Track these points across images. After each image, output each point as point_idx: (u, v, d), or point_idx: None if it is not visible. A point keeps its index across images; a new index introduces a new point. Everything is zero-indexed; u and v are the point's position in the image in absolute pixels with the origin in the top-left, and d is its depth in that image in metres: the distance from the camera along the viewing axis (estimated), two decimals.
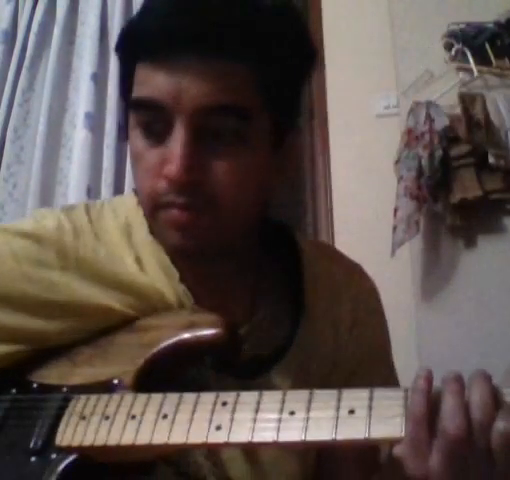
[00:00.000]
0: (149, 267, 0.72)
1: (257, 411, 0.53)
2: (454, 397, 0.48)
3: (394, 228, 1.88)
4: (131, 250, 0.73)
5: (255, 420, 0.52)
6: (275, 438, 0.51)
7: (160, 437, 0.55)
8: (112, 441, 0.57)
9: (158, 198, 0.66)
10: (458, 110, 1.89)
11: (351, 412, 0.50)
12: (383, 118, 2.22)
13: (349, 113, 2.26)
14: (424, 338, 1.89)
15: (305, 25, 0.72)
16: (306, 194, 2.32)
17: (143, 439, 0.55)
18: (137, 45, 0.67)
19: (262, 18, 0.66)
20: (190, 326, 0.65)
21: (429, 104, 1.91)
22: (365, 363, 0.81)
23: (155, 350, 0.64)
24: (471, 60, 1.91)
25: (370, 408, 0.50)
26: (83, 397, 0.62)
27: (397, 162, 1.97)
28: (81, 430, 0.59)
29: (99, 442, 0.57)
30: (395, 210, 1.90)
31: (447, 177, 1.86)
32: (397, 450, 0.50)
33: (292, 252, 0.81)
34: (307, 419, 0.51)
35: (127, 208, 0.77)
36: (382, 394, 0.51)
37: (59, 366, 0.68)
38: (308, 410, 0.51)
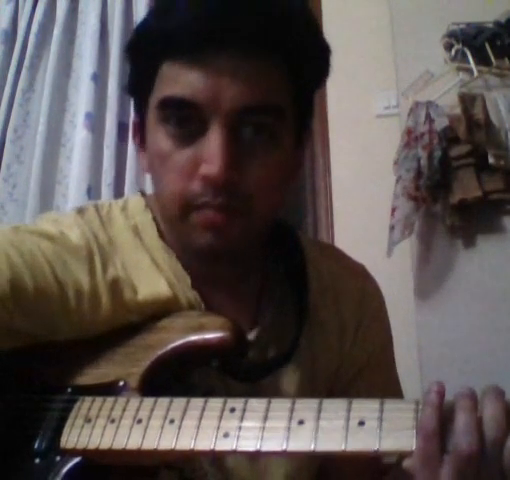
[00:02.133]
0: (163, 270, 0.72)
1: (266, 419, 0.52)
2: (467, 413, 0.47)
3: (391, 228, 1.89)
4: (146, 253, 0.72)
5: (264, 429, 0.51)
6: (284, 447, 0.50)
7: (167, 443, 0.54)
8: (118, 445, 0.56)
9: (191, 199, 0.65)
10: (458, 110, 1.89)
11: (361, 423, 0.49)
12: (383, 118, 2.22)
13: (349, 113, 2.26)
14: (424, 338, 1.89)
15: (321, 29, 0.72)
16: (306, 194, 2.32)
17: (149, 444, 0.55)
18: (168, 43, 0.64)
19: (295, 20, 0.66)
20: (199, 328, 0.64)
21: (429, 104, 1.91)
22: (369, 364, 0.81)
23: (162, 351, 0.64)
24: (471, 60, 1.91)
25: (380, 420, 0.49)
26: (88, 399, 0.62)
27: (396, 162, 1.97)
28: (86, 433, 0.59)
29: (104, 446, 0.57)
30: (393, 210, 1.90)
31: (447, 177, 1.86)
32: (407, 463, 0.49)
33: (295, 253, 0.80)
34: (316, 429, 0.50)
35: (136, 210, 0.76)
36: (393, 406, 0.50)
37: (64, 366, 0.68)
38: (317, 419, 0.50)
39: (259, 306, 0.77)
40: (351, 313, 0.81)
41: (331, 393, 0.77)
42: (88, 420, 0.59)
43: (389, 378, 0.83)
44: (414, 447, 0.48)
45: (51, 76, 2.37)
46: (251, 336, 0.73)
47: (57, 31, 2.43)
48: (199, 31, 0.62)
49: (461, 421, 0.47)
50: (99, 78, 2.33)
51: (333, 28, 2.37)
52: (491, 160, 1.82)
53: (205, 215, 0.65)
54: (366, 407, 0.50)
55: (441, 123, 1.86)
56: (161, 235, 0.74)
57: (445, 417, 0.48)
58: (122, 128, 2.28)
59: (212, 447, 0.52)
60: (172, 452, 0.54)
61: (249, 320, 0.75)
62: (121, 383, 0.63)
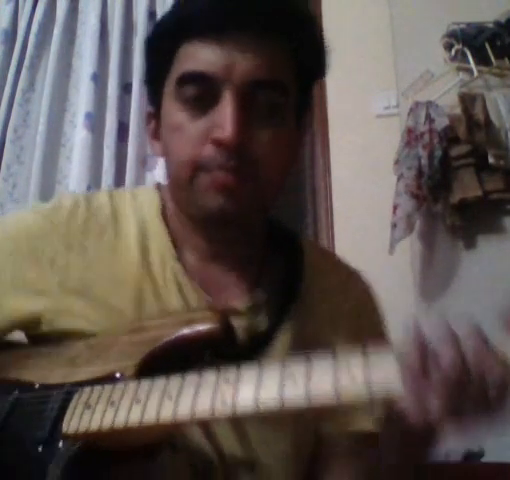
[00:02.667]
0: (152, 253, 0.77)
1: (259, 382, 0.55)
2: (449, 344, 0.51)
3: (393, 225, 1.89)
4: (139, 237, 0.78)
5: (258, 390, 0.54)
6: (279, 405, 0.53)
7: (166, 414, 0.56)
8: (119, 424, 0.58)
9: (204, 162, 0.69)
10: (458, 110, 1.89)
11: (350, 373, 0.52)
12: (383, 118, 2.22)
13: (349, 113, 2.27)
14: None
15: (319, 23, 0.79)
16: (306, 194, 2.32)
17: (149, 418, 0.57)
18: (188, 26, 0.72)
19: (298, 10, 0.75)
20: (189, 323, 0.66)
21: (429, 104, 1.91)
22: None
23: (156, 346, 0.66)
24: (471, 60, 1.91)
25: (367, 367, 0.52)
26: (87, 389, 0.63)
27: (397, 162, 1.98)
28: (87, 417, 0.60)
29: (106, 426, 0.58)
30: (394, 207, 1.91)
31: (447, 177, 1.86)
32: (398, 405, 0.52)
33: (295, 253, 0.83)
34: (308, 385, 0.53)
35: (147, 196, 0.83)
36: (376, 352, 0.53)
37: (60, 368, 0.69)
38: (309, 376, 0.53)
39: (255, 287, 0.79)
40: (346, 313, 0.83)
41: None
42: (88, 406, 0.61)
43: None
44: (400, 388, 0.51)
45: (51, 76, 2.38)
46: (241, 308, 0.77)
47: (57, 31, 2.43)
48: (216, 14, 0.70)
49: (444, 350, 0.51)
50: (99, 78, 2.33)
51: (333, 28, 2.36)
52: (491, 160, 1.81)
53: (216, 177, 0.69)
54: (351, 358, 0.53)
55: (441, 123, 1.86)
56: (163, 211, 0.80)
57: (428, 354, 0.51)
58: (122, 128, 2.28)
59: (211, 412, 0.55)
60: (172, 422, 0.56)
61: (243, 298, 0.78)
62: (118, 375, 0.65)
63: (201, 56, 0.70)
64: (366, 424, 0.78)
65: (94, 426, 0.59)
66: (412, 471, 0.66)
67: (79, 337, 0.71)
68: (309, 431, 0.79)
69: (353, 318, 0.83)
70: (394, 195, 1.92)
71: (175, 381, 0.59)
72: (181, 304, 0.75)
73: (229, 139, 0.67)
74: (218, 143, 0.68)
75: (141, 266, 0.76)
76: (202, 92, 0.70)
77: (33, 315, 0.73)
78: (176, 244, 0.79)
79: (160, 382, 0.59)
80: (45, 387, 0.67)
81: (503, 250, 1.87)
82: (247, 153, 0.69)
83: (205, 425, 0.70)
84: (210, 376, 0.57)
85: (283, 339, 0.76)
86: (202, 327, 0.65)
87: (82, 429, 0.59)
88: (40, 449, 0.61)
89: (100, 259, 0.76)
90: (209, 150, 0.69)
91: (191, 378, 0.58)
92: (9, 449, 0.63)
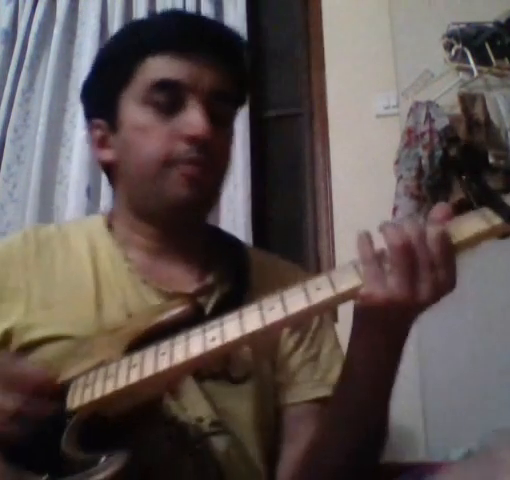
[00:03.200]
0: (102, 258, 0.86)
1: (241, 317, 0.63)
2: (391, 225, 0.63)
3: None
4: (90, 251, 0.86)
5: (242, 322, 0.62)
6: (263, 323, 0.61)
7: (164, 364, 0.62)
8: (120, 385, 0.62)
9: (173, 157, 0.80)
10: (458, 110, 1.89)
11: (318, 288, 0.62)
12: (383, 118, 2.22)
13: (349, 113, 2.27)
14: (424, 338, 1.89)
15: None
16: (306, 194, 2.33)
17: (148, 372, 0.62)
18: (152, 42, 0.83)
19: (241, 40, 0.91)
20: (163, 311, 0.72)
21: (429, 104, 1.91)
22: (306, 338, 0.90)
23: (138, 334, 0.70)
24: (471, 60, 1.91)
25: (331, 280, 0.62)
26: (82, 377, 0.66)
27: (397, 162, 1.98)
28: (88, 392, 0.64)
29: (108, 391, 0.62)
30: (394, 209, 1.90)
31: (447, 177, 1.86)
32: (362, 291, 0.61)
33: (238, 249, 0.93)
34: (284, 305, 0.61)
35: (91, 218, 0.94)
36: (337, 269, 0.64)
37: (47, 368, 0.70)
38: (283, 301, 0.62)
39: (204, 275, 0.87)
40: None
41: (274, 364, 0.87)
42: (87, 385, 0.65)
43: (334, 347, 0.90)
44: (360, 280, 0.61)
45: (51, 76, 2.38)
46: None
47: (57, 31, 2.43)
48: (182, 34, 0.83)
49: (387, 229, 0.62)
50: None
51: (333, 28, 2.37)
52: (491, 160, 1.82)
53: (186, 169, 0.80)
54: (317, 280, 0.63)
55: (441, 123, 1.86)
56: (108, 224, 0.90)
57: (377, 249, 0.62)
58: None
59: (203, 350, 0.61)
60: (170, 370, 0.62)
61: (193, 284, 0.85)
62: (107, 361, 0.67)
63: (171, 67, 0.82)
64: (320, 391, 0.84)
65: (97, 395, 0.63)
66: (388, 381, 0.71)
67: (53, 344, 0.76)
68: (270, 401, 0.85)
69: None
70: (394, 197, 1.92)
71: (165, 343, 0.64)
72: (137, 298, 0.82)
73: (202, 135, 0.79)
74: (191, 139, 0.79)
75: (93, 271, 0.84)
76: (170, 98, 0.81)
77: (5, 332, 0.79)
78: (123, 247, 0.86)
79: (151, 348, 0.65)
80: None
81: (503, 251, 1.87)
82: (211, 149, 0.81)
83: (176, 394, 0.76)
84: (196, 329, 0.64)
85: None
86: (175, 311, 0.71)
87: (86, 401, 0.63)
88: (50, 430, 0.62)
89: (55, 273, 0.84)
90: (182, 146, 0.80)
91: (179, 336, 0.64)
92: (18, 445, 0.63)
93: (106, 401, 0.63)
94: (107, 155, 0.88)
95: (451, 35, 1.96)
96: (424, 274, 0.61)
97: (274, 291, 0.82)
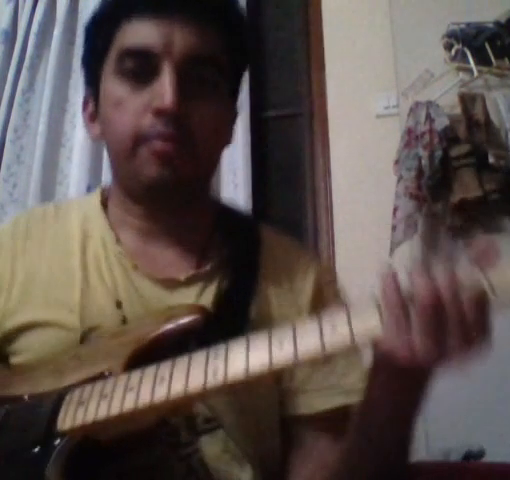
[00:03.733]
0: (93, 239, 0.81)
1: (248, 350, 0.57)
2: (421, 275, 0.53)
3: (393, 228, 1.89)
4: (82, 232, 0.81)
5: (248, 357, 0.56)
6: (270, 365, 0.55)
7: (160, 394, 0.57)
8: (114, 411, 0.58)
9: (142, 132, 0.72)
10: (458, 110, 1.89)
11: (334, 327, 0.55)
12: (383, 118, 2.22)
13: (349, 113, 2.27)
14: None
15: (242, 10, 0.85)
16: (306, 194, 2.33)
17: (144, 402, 0.57)
18: (126, 5, 0.76)
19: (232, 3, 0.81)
20: (171, 318, 0.68)
21: (429, 104, 1.91)
22: None
23: (142, 344, 0.66)
24: (471, 60, 1.91)
25: (349, 319, 0.54)
26: (78, 389, 0.63)
27: (397, 162, 1.98)
28: (81, 412, 0.60)
29: (101, 416, 0.58)
30: (394, 209, 1.91)
31: (447, 177, 1.86)
32: (382, 343, 0.53)
33: (249, 232, 0.85)
34: (295, 343, 0.55)
35: (90, 198, 0.87)
36: (356, 306, 0.56)
37: (48, 378, 0.69)
38: (295, 337, 0.56)
39: (202, 262, 0.80)
40: (304, 287, 0.82)
41: None
42: (81, 403, 0.61)
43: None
44: (382, 328, 0.53)
45: (51, 76, 2.38)
46: (187, 275, 0.77)
47: (57, 31, 2.43)
48: None
49: (417, 280, 0.53)
50: None
51: (333, 28, 2.37)
52: (491, 160, 1.82)
53: (155, 145, 0.72)
54: (334, 314, 0.56)
55: (441, 123, 1.86)
56: (103, 202, 0.84)
57: (404, 293, 0.53)
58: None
59: (203, 386, 0.56)
60: (167, 402, 0.57)
61: (188, 268, 0.79)
62: (107, 373, 0.65)
63: (141, 32, 0.74)
64: (335, 400, 0.77)
65: (89, 418, 0.59)
66: (410, 421, 0.65)
67: (59, 347, 0.72)
68: (268, 404, 0.78)
69: (314, 294, 0.82)
70: (394, 197, 1.92)
71: (165, 365, 0.60)
72: (127, 284, 0.76)
73: (168, 107, 0.70)
74: (158, 112, 0.71)
75: (82, 253, 0.79)
76: (142, 66, 0.73)
77: None
78: (116, 228, 0.81)
79: (150, 369, 0.60)
80: (35, 396, 0.67)
81: (503, 250, 1.87)
82: (185, 123, 0.72)
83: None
84: (199, 355, 0.59)
85: (254, 315, 0.75)
86: (185, 320, 0.67)
87: (77, 423, 0.59)
88: (36, 450, 0.60)
89: (41, 256, 0.79)
90: (149, 120, 0.72)
91: (181, 360, 0.59)
92: (4, 458, 0.62)
93: (98, 426, 0.59)
94: (95, 130, 0.82)
95: (451, 35, 1.96)
96: (453, 334, 0.52)
97: (283, 284, 0.79)
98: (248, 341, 0.57)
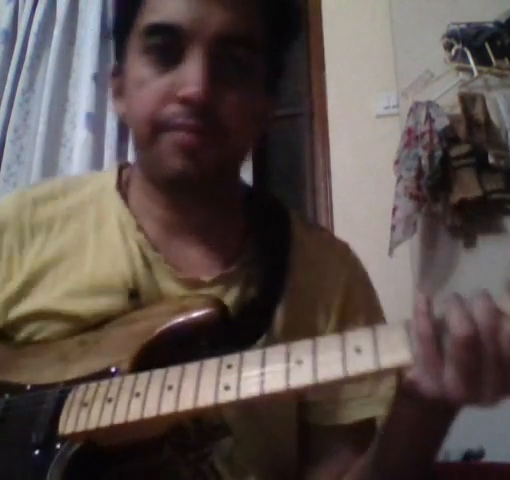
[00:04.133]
0: (109, 224, 0.74)
1: (264, 366, 0.52)
2: (458, 307, 0.49)
3: (393, 227, 1.89)
4: (97, 215, 0.75)
5: (263, 374, 0.52)
6: (286, 385, 0.51)
7: (168, 407, 0.54)
8: (119, 420, 0.55)
9: (165, 120, 0.65)
10: (458, 110, 1.89)
11: (358, 351, 0.50)
12: (383, 118, 2.22)
13: (349, 113, 2.27)
14: None
15: None
16: (306, 194, 2.33)
17: (150, 412, 0.54)
18: None
19: None
20: (182, 310, 0.64)
21: (429, 104, 1.91)
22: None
23: (151, 337, 0.63)
24: (471, 60, 1.91)
25: (375, 343, 0.50)
26: (82, 386, 0.61)
27: (397, 162, 1.98)
28: (84, 416, 0.57)
29: (104, 423, 0.56)
30: (394, 209, 1.91)
31: (447, 177, 1.86)
32: (410, 374, 0.50)
33: (281, 226, 0.79)
34: (315, 363, 0.51)
35: (106, 176, 0.80)
36: (384, 328, 0.52)
37: (52, 366, 0.67)
38: (315, 355, 0.51)
39: (231, 259, 0.74)
40: (335, 287, 0.78)
41: None
42: (84, 404, 0.58)
43: None
44: (411, 358, 0.49)
45: (51, 76, 2.37)
46: (232, 269, 0.73)
47: (57, 31, 2.43)
48: None
49: (454, 314, 0.49)
50: (99, 78, 2.32)
51: (333, 28, 2.37)
52: (491, 160, 1.82)
53: (177, 136, 0.65)
54: (359, 335, 0.52)
55: (441, 123, 1.86)
56: (121, 186, 0.77)
57: (438, 323, 0.49)
58: (122, 128, 2.28)
59: (214, 401, 0.52)
60: (175, 415, 0.54)
61: (226, 260, 0.74)
62: (113, 369, 0.63)
63: (170, 6, 0.66)
64: (368, 410, 0.74)
65: (92, 424, 0.57)
66: (430, 451, 0.62)
67: (66, 333, 0.69)
68: (287, 412, 0.75)
69: (345, 295, 0.78)
70: (394, 197, 1.92)
71: (175, 371, 0.56)
72: (146, 277, 0.71)
73: (197, 97, 0.63)
74: (184, 101, 0.64)
75: (96, 238, 0.74)
76: (170, 45, 0.66)
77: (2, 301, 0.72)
78: (135, 213, 0.75)
79: (159, 373, 0.57)
80: (37, 388, 0.65)
81: (503, 250, 1.87)
82: (214, 114, 0.65)
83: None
84: (211, 363, 0.55)
85: (279, 317, 0.72)
86: (197, 313, 0.63)
87: (80, 429, 0.57)
88: (37, 453, 0.59)
89: (51, 239, 0.74)
90: (174, 107, 0.65)
91: (192, 366, 0.56)
92: (3, 456, 0.61)
93: (101, 432, 0.57)
94: (120, 108, 0.74)
95: (451, 35, 1.96)
96: (489, 374, 0.48)
97: (312, 285, 0.74)
98: (264, 355, 0.53)
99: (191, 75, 0.64)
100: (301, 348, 0.52)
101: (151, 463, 0.65)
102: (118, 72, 0.75)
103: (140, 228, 0.73)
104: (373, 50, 2.26)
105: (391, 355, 0.50)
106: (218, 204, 0.75)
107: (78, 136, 2.29)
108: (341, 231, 2.17)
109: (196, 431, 0.69)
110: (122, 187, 0.77)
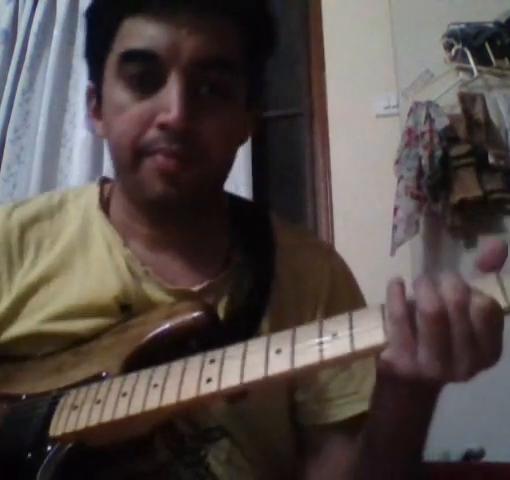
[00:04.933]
0: (95, 242, 0.75)
1: (244, 358, 0.54)
2: (426, 285, 0.50)
3: (394, 227, 1.89)
4: (81, 234, 0.76)
5: (243, 365, 0.53)
6: (265, 374, 0.52)
7: (152, 403, 0.55)
8: (106, 418, 0.57)
9: (145, 146, 0.67)
10: (458, 110, 1.89)
11: (334, 335, 0.52)
12: (383, 118, 2.22)
13: (349, 113, 2.27)
14: None
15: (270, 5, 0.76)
16: (306, 194, 2.33)
17: (135, 409, 0.56)
18: (129, 0, 0.68)
19: None
20: (172, 315, 0.65)
21: (429, 104, 1.92)
22: None
23: (142, 342, 0.65)
24: (471, 60, 1.91)
25: (351, 327, 0.51)
26: (73, 391, 0.62)
27: (397, 162, 1.98)
28: (74, 417, 0.59)
29: (93, 422, 0.57)
30: (395, 209, 1.91)
31: (447, 177, 1.86)
32: (385, 355, 0.51)
33: (264, 233, 0.80)
34: (293, 352, 0.52)
35: (89, 192, 0.80)
36: (360, 313, 0.53)
37: (46, 377, 0.68)
38: (293, 344, 0.52)
39: (218, 269, 0.76)
40: (320, 291, 0.79)
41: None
42: (74, 407, 0.60)
43: None
44: (386, 339, 0.50)
45: (51, 76, 2.38)
46: (221, 277, 0.74)
47: (57, 31, 2.43)
48: None
49: (421, 290, 0.49)
50: None
51: (333, 28, 2.37)
52: (491, 160, 1.82)
53: (158, 161, 0.66)
54: (336, 321, 0.53)
55: (441, 123, 1.86)
56: (104, 204, 0.78)
57: (410, 303, 0.50)
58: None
59: (196, 394, 0.54)
60: (159, 410, 0.55)
61: (212, 273, 0.75)
62: (104, 374, 0.64)
63: (146, 33, 0.66)
64: (355, 407, 0.74)
65: (81, 425, 0.58)
66: (418, 433, 0.63)
67: (62, 346, 0.70)
68: (280, 408, 0.76)
69: (329, 298, 0.79)
70: (395, 197, 1.92)
71: (161, 370, 0.58)
72: (137, 291, 0.72)
73: (175, 122, 0.64)
74: (163, 127, 0.65)
75: (83, 255, 0.74)
76: (147, 71, 0.67)
77: None
78: (119, 230, 0.76)
79: (145, 373, 0.58)
80: (32, 397, 0.66)
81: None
82: (193, 138, 0.66)
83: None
84: (195, 360, 0.57)
85: (265, 322, 0.73)
86: (186, 317, 0.64)
87: (69, 430, 0.58)
88: (29, 456, 0.60)
89: (39, 260, 0.75)
90: (153, 133, 0.66)
91: (177, 364, 0.57)
92: (1, 463, 0.62)
93: (91, 432, 0.58)
94: (99, 129, 0.75)
95: (451, 35, 1.96)
96: (461, 349, 0.48)
97: (297, 287, 0.75)
98: (246, 347, 0.55)
99: (168, 101, 0.65)
100: (280, 338, 0.54)
101: (149, 466, 0.66)
102: (93, 93, 0.76)
103: (126, 244, 0.75)
104: (373, 50, 2.26)
105: (366, 338, 0.50)
106: (202, 220, 0.77)
107: (78, 136, 2.30)
108: (341, 231, 2.17)
109: (192, 435, 0.69)
110: (104, 204, 0.79)
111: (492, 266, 0.51)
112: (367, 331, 0.51)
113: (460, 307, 0.48)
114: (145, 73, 0.67)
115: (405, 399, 0.57)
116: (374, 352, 0.51)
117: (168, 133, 0.65)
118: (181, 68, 0.65)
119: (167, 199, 0.68)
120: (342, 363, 0.54)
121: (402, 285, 0.51)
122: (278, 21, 0.75)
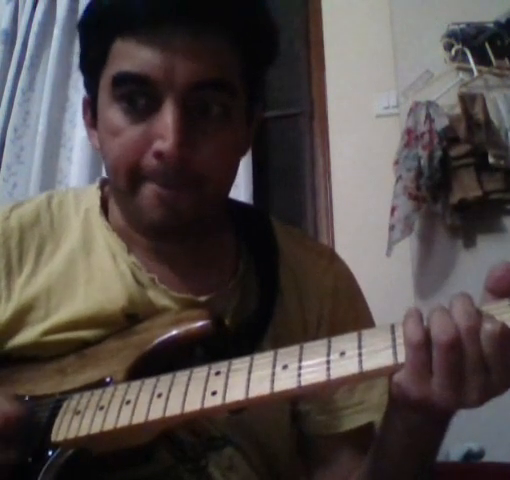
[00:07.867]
0: (98, 249, 0.74)
1: (250, 372, 0.53)
2: (440, 313, 0.50)
3: (391, 227, 1.89)
4: (84, 240, 0.74)
5: (249, 380, 0.53)
6: (271, 390, 0.51)
7: (156, 413, 0.55)
8: (108, 426, 0.56)
9: (141, 172, 0.65)
10: (458, 110, 1.89)
11: (342, 354, 0.51)
12: (383, 118, 2.22)
13: (349, 113, 2.27)
14: None
15: (271, 16, 0.72)
16: (306, 194, 2.33)
17: (139, 419, 0.55)
18: (123, 19, 0.64)
19: (244, 2, 0.67)
20: (178, 322, 0.65)
21: (429, 104, 1.92)
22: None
23: (147, 348, 0.64)
24: (471, 60, 1.91)
25: (360, 347, 0.51)
26: (76, 396, 0.62)
27: (396, 162, 1.98)
28: (76, 423, 0.58)
29: (95, 430, 0.57)
30: (392, 209, 1.91)
31: (447, 177, 1.86)
32: (397, 378, 0.50)
33: (267, 243, 0.80)
34: (300, 368, 0.51)
35: (89, 195, 0.79)
36: (369, 332, 0.52)
37: (50, 379, 0.68)
38: (300, 361, 0.52)
39: (225, 278, 0.75)
40: (322, 298, 0.79)
41: None
42: (77, 412, 0.59)
43: None
44: (393, 362, 0.49)
45: (51, 76, 2.38)
46: (229, 285, 0.74)
47: (57, 31, 2.43)
48: (154, 8, 0.62)
49: (436, 319, 0.49)
50: None
51: (333, 28, 2.37)
52: (491, 160, 1.82)
53: (153, 189, 0.65)
54: (345, 339, 0.52)
55: (441, 123, 1.87)
56: (106, 212, 0.76)
57: (427, 331, 0.50)
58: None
59: (200, 406, 0.53)
60: (162, 420, 0.54)
61: (212, 292, 0.74)
62: (107, 379, 0.63)
63: (138, 56, 0.63)
64: (360, 418, 0.74)
65: (83, 432, 0.57)
66: (426, 457, 0.62)
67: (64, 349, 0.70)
68: (283, 417, 0.76)
69: (332, 305, 0.79)
70: (393, 196, 1.92)
71: (165, 379, 0.57)
72: (143, 299, 0.71)
73: (170, 152, 0.62)
74: (158, 156, 0.63)
75: (85, 262, 0.73)
76: (141, 94, 0.64)
77: None
78: (122, 237, 0.74)
79: (150, 382, 0.58)
80: (35, 398, 0.66)
81: (503, 250, 1.88)
82: (189, 166, 0.64)
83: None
84: (201, 371, 0.56)
85: (271, 330, 0.73)
86: (193, 325, 0.64)
87: (71, 436, 0.58)
88: (30, 460, 0.59)
89: (39, 267, 0.74)
90: (149, 160, 0.64)
91: (181, 374, 0.57)
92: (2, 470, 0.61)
93: (93, 439, 0.57)
94: (94, 141, 0.73)
95: (451, 35, 1.96)
96: (472, 376, 0.49)
97: (302, 294, 0.76)
98: (252, 361, 0.54)
99: (163, 128, 0.63)
100: (287, 354, 0.53)
101: (152, 470, 0.66)
102: (88, 105, 0.75)
103: (130, 252, 0.73)
104: (373, 50, 2.26)
105: (375, 359, 0.50)
106: (205, 233, 0.75)
107: (78, 136, 2.30)
108: (341, 231, 2.17)
109: (194, 443, 0.69)
110: (106, 207, 0.77)
111: (504, 292, 0.50)
112: (376, 352, 0.50)
113: (472, 333, 0.48)
114: (139, 95, 0.64)
115: (415, 423, 0.57)
116: (382, 374, 0.51)
117: (164, 163, 0.63)
118: (177, 93, 0.63)
119: (167, 225, 0.67)
120: (349, 383, 0.54)
121: (419, 311, 0.51)
122: (279, 29, 0.72)
